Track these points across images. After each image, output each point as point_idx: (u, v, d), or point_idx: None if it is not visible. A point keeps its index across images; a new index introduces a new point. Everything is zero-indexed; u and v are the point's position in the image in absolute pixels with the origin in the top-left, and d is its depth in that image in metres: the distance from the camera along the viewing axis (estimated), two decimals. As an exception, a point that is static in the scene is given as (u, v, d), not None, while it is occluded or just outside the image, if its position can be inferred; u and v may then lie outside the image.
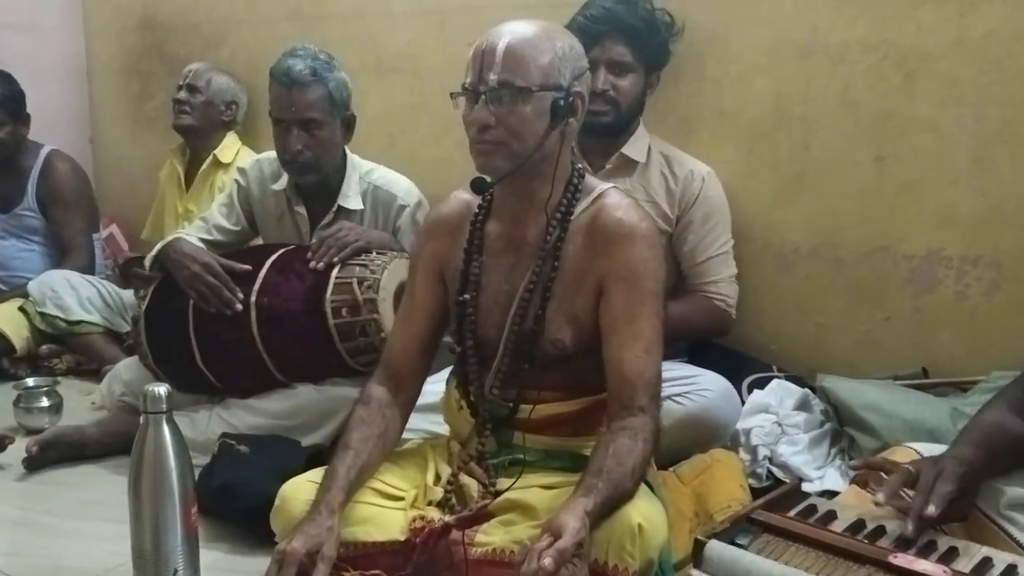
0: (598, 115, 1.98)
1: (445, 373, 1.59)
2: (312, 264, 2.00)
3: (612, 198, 1.41)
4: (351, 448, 1.40)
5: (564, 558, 1.10)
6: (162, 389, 1.43)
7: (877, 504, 1.23)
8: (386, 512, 1.40)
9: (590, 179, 1.45)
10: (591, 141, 2.07)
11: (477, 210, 1.47)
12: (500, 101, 1.32)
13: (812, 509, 1.27)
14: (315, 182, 2.17)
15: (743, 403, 1.93)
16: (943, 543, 1.18)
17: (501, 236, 1.44)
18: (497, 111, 1.33)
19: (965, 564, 1.13)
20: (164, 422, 1.42)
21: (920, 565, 1.11)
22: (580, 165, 1.44)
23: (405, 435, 1.81)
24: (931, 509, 1.16)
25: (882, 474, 1.29)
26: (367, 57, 2.76)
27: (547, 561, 1.09)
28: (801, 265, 2.14)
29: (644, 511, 1.25)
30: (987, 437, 1.29)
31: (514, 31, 1.34)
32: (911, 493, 1.25)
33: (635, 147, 2.07)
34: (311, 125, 2.10)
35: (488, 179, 1.38)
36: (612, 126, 2.02)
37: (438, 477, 1.47)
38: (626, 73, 1.99)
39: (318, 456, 1.85)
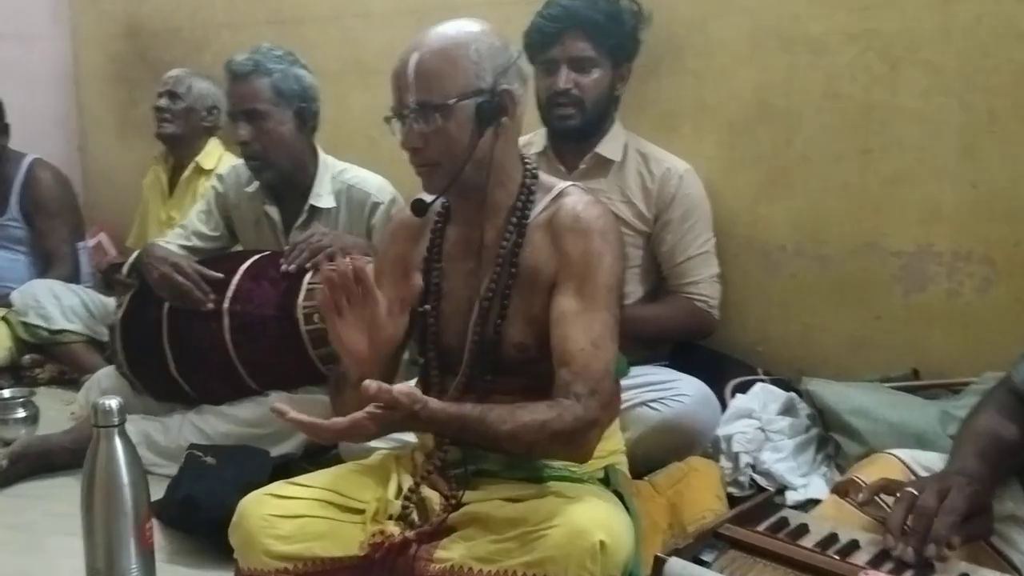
0: (564, 118, 1.93)
1: (412, 382, 1.55)
2: (283, 267, 1.98)
3: (571, 196, 1.37)
4: None
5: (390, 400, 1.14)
6: (113, 402, 1.39)
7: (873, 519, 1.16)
8: (345, 527, 1.36)
9: (547, 178, 1.41)
10: (563, 143, 2.02)
11: (437, 216, 1.44)
12: (423, 121, 1.30)
13: (783, 522, 1.21)
14: (272, 179, 2.16)
15: (726, 408, 1.87)
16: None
17: (459, 242, 1.42)
18: (422, 131, 1.30)
19: (942, 580, 1.07)
20: (116, 435, 1.38)
21: (892, 582, 1.06)
22: (532, 165, 1.40)
23: (374, 444, 1.77)
24: (932, 550, 1.09)
25: (881, 498, 1.21)
26: (347, 59, 2.73)
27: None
28: (786, 263, 2.09)
29: (607, 526, 1.20)
30: (986, 447, 1.22)
31: (424, 45, 1.31)
32: (890, 501, 1.19)
33: (610, 146, 2.01)
34: (255, 116, 2.10)
35: (426, 199, 1.35)
36: (581, 127, 1.96)
37: (400, 490, 1.43)
38: (589, 69, 1.92)
39: (284, 467, 1.81)
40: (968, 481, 1.14)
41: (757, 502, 1.30)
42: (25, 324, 2.72)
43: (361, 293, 1.31)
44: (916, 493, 1.15)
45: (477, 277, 1.38)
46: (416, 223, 1.47)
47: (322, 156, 2.20)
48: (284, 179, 2.16)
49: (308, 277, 1.96)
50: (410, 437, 1.60)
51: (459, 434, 1.26)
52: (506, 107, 1.33)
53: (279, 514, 1.37)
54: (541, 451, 1.30)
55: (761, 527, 1.19)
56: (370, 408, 1.15)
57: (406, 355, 1.51)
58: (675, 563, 1.11)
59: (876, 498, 1.21)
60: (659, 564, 1.12)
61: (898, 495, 1.17)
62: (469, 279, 1.39)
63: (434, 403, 1.20)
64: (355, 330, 1.33)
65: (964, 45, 1.83)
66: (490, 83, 1.30)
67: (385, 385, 1.16)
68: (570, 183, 1.40)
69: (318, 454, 1.96)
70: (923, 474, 1.28)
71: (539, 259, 1.34)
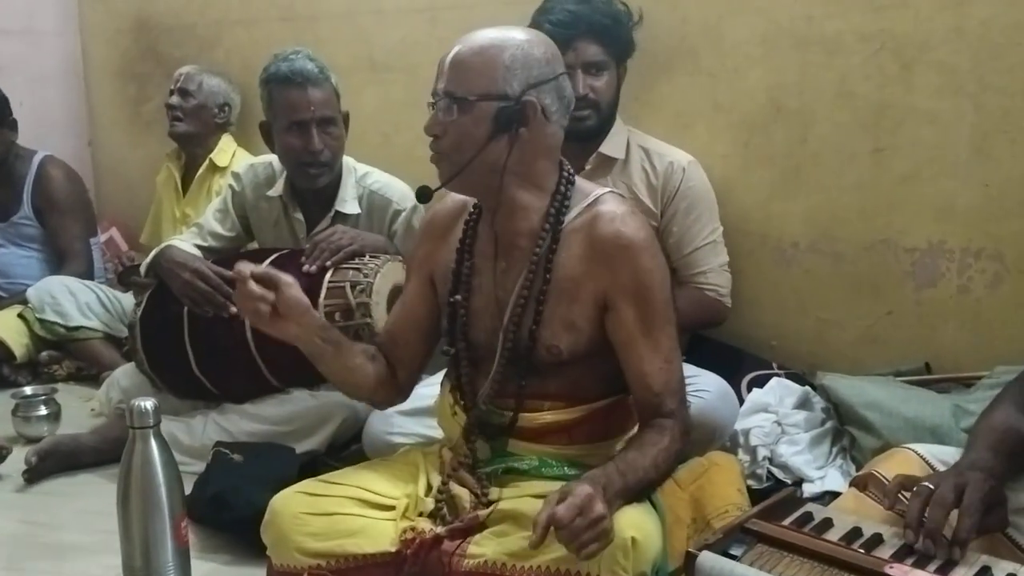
0: (581, 120, 1.95)
1: (440, 376, 1.57)
2: (304, 268, 1.98)
3: (607, 205, 1.38)
4: None
5: (572, 509, 1.14)
6: (148, 403, 1.41)
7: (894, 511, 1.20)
8: (376, 523, 1.39)
9: (583, 184, 1.43)
10: (570, 145, 2.03)
11: (472, 210, 1.46)
12: (446, 111, 1.33)
13: (808, 517, 1.24)
14: (327, 184, 2.14)
15: (742, 402, 1.90)
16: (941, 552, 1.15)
17: (491, 240, 1.43)
18: (443, 121, 1.34)
19: (964, 573, 1.10)
20: (151, 436, 1.41)
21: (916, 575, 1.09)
22: (569, 170, 1.42)
23: (399, 440, 1.80)
24: (957, 553, 1.13)
25: (903, 493, 1.25)
26: (360, 56, 2.73)
27: (560, 508, 1.13)
28: (800, 259, 2.11)
29: (637, 523, 1.23)
30: (1002, 440, 1.25)
31: (467, 40, 1.35)
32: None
33: (613, 144, 2.03)
34: (328, 123, 2.08)
35: (431, 188, 1.39)
36: (595, 128, 1.99)
37: (430, 487, 1.45)
38: (602, 72, 1.96)
39: (311, 464, 1.83)
40: (984, 477, 1.17)
41: (781, 497, 1.33)
42: (42, 321, 2.72)
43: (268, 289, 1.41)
44: (932, 487, 1.19)
45: (510, 277, 1.40)
46: (448, 219, 1.49)
47: (345, 159, 2.19)
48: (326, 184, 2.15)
49: (328, 276, 1.95)
50: (436, 433, 1.63)
51: (633, 496, 1.28)
52: (527, 118, 1.34)
53: (310, 511, 1.40)
54: (670, 472, 1.38)
55: (787, 522, 1.23)
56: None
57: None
58: (706, 557, 1.15)
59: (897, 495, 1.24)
60: (691, 559, 1.16)
61: (915, 489, 1.20)
62: (502, 278, 1.41)
63: (610, 487, 1.21)
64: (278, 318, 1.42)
65: (978, 46, 1.85)
66: (517, 91, 1.32)
67: (566, 513, 1.14)
68: (607, 189, 1.42)
69: (342, 450, 1.99)
70: (940, 468, 1.31)
71: (576, 267, 1.36)
